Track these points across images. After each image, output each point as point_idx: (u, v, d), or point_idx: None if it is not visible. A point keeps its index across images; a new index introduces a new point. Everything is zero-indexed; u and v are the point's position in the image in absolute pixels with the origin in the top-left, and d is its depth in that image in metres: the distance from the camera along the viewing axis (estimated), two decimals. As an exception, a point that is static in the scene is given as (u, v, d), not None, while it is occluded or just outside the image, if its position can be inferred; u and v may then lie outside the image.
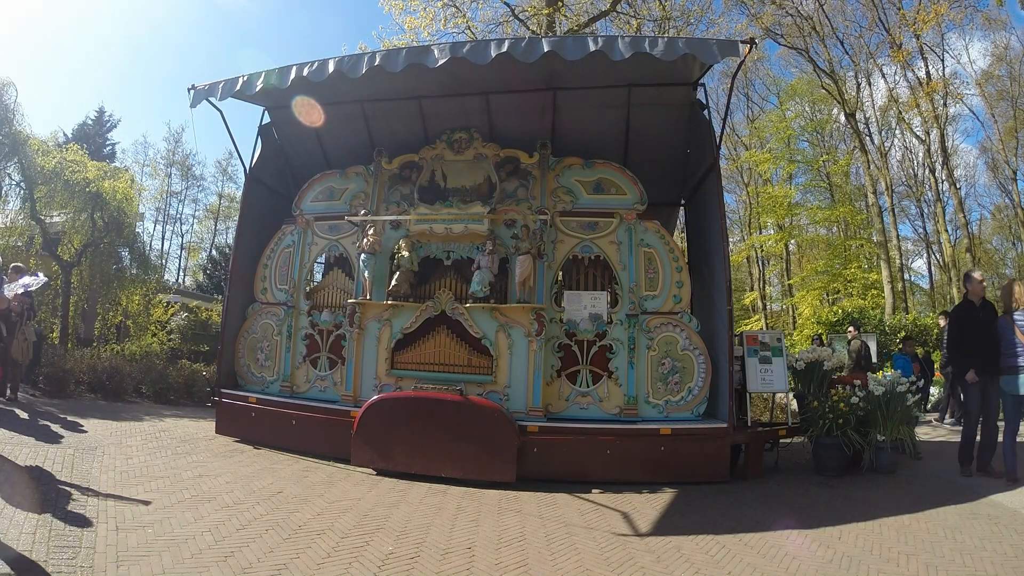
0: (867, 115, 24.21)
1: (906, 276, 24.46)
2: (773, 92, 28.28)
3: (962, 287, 6.31)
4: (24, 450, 5.11)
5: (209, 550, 3.31)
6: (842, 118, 23.87)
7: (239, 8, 52.69)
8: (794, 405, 7.02)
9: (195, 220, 39.94)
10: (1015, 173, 23.20)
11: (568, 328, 6.32)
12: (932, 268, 28.93)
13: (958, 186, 23.83)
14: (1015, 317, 5.29)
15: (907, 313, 18.54)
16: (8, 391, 7.44)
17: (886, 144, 25.25)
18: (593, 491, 5.19)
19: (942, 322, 11.23)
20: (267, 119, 7.83)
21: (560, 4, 14.09)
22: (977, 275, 5.99)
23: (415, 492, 5.00)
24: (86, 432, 6.28)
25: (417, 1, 14.74)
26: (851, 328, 11.63)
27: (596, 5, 15.36)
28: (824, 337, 13.92)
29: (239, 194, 13.20)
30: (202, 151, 63.30)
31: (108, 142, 31.93)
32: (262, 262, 7.50)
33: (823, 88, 23.04)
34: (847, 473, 5.85)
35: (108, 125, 32.19)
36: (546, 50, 5.33)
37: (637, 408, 6.03)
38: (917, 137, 24.30)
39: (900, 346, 11.15)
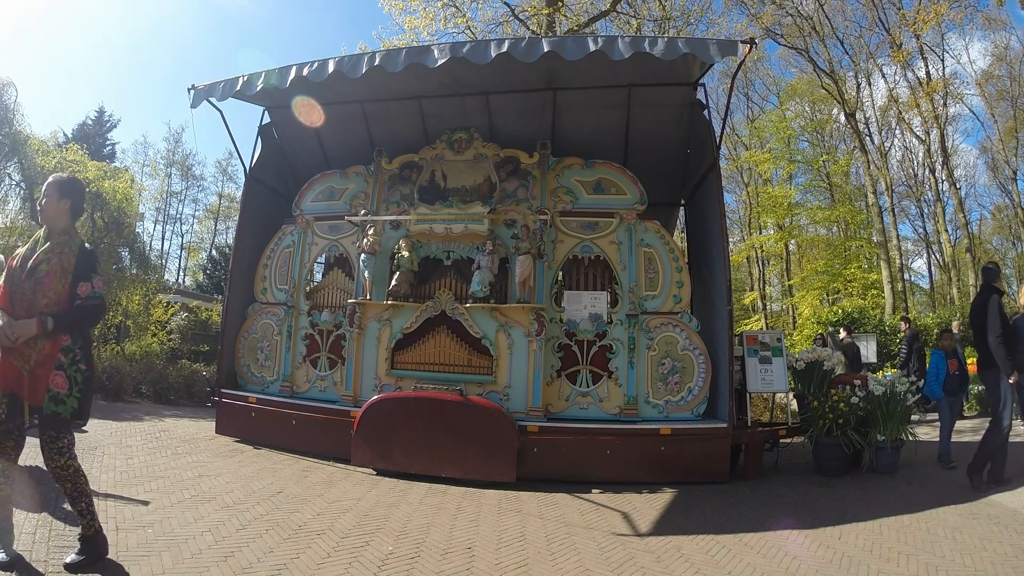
0: (867, 115, 24.18)
1: (906, 276, 24.42)
2: (773, 92, 28.26)
3: (981, 277, 5.76)
4: (24, 450, 5.10)
5: (209, 550, 3.31)
6: (842, 118, 23.83)
7: (239, 8, 52.72)
8: (794, 405, 7.02)
9: (195, 220, 39.96)
10: (1015, 173, 23.16)
11: (568, 328, 6.32)
12: (932, 268, 28.95)
13: (958, 186, 23.81)
14: None
15: (907, 313, 18.52)
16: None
17: (886, 144, 25.23)
18: (593, 491, 5.19)
19: (903, 327, 11.21)
20: (267, 119, 7.83)
21: (560, 4, 14.07)
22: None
23: (415, 492, 5.00)
24: (86, 432, 6.28)
25: (417, 1, 14.74)
26: (842, 329, 11.64)
27: (596, 5, 15.36)
28: (827, 337, 13.90)
29: (239, 194, 13.22)
30: (202, 151, 63.28)
31: (108, 142, 31.84)
32: (262, 262, 7.50)
33: (823, 88, 22.99)
34: (847, 473, 5.85)
35: (108, 125, 32.10)
36: (546, 50, 5.33)
37: (637, 408, 6.03)
38: (917, 137, 24.28)
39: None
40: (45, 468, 4.57)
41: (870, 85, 24.41)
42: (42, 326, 2.80)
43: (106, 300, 3.08)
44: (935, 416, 9.77)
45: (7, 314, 2.83)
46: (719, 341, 6.01)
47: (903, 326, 11.23)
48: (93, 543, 2.94)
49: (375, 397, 6.02)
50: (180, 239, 39.52)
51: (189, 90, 6.47)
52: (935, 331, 13.50)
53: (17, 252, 3.06)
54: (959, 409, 7.04)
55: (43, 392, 2.83)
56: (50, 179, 3.10)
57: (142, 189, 23.20)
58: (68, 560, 2.89)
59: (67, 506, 3.79)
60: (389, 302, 6.51)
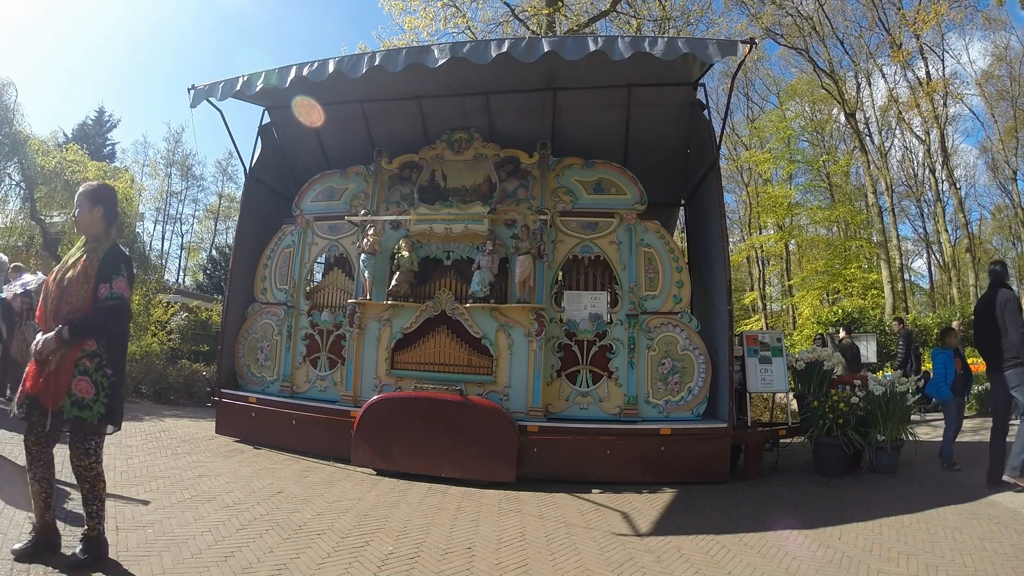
0: (867, 115, 24.21)
1: (906, 276, 24.44)
2: (773, 92, 28.28)
3: (988, 276, 5.79)
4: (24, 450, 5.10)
5: (209, 550, 3.31)
6: (842, 118, 23.84)
7: (239, 8, 52.73)
8: (794, 405, 7.01)
9: (195, 220, 39.98)
10: (1015, 173, 23.19)
11: (568, 328, 6.32)
12: (932, 268, 28.96)
13: (958, 186, 23.84)
14: None
15: (907, 313, 18.53)
16: (8, 391, 7.44)
17: (886, 144, 25.27)
18: (593, 491, 5.19)
19: (897, 327, 11.23)
20: (267, 119, 7.83)
21: (560, 4, 14.07)
22: None
23: (415, 492, 5.00)
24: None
25: (417, 1, 14.74)
26: (841, 329, 11.67)
27: (596, 5, 15.36)
28: (826, 337, 13.92)
29: (239, 194, 13.21)
30: (202, 151, 63.26)
31: (108, 142, 31.92)
32: (262, 262, 7.50)
33: (823, 88, 23.01)
34: (847, 473, 5.85)
35: (108, 125, 32.18)
36: (546, 50, 5.33)
37: (637, 408, 6.03)
38: (917, 137, 24.31)
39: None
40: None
41: (870, 85, 24.46)
42: (59, 337, 2.79)
43: (127, 301, 2.97)
44: (935, 416, 9.79)
45: (43, 330, 2.87)
46: (719, 341, 6.01)
47: (896, 326, 11.28)
48: (95, 544, 2.95)
49: (375, 397, 6.01)
50: (180, 239, 39.49)
51: (189, 90, 6.46)
52: (935, 331, 13.51)
53: (55, 267, 3.10)
54: (963, 409, 6.98)
55: (62, 396, 2.82)
56: (81, 189, 3.15)
57: (142, 189, 23.20)
58: (69, 559, 2.90)
59: (67, 506, 3.80)
60: (389, 302, 6.50)
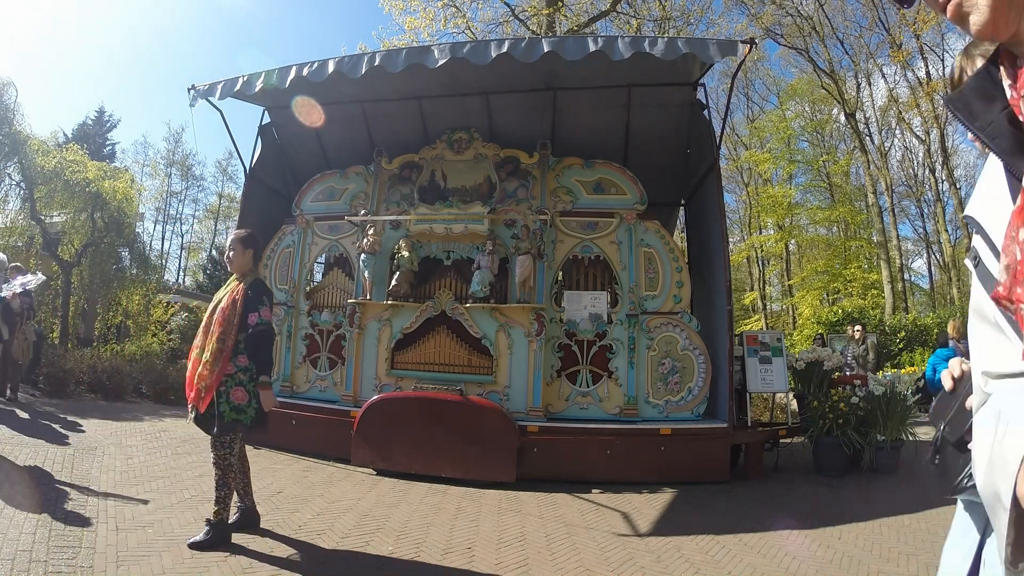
0: (867, 115, 24.18)
1: (906, 276, 24.43)
2: (773, 92, 28.24)
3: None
4: (24, 450, 5.11)
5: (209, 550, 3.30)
6: (842, 118, 23.85)
7: (240, 8, 52.70)
8: (794, 405, 7.02)
9: (195, 220, 39.93)
10: (1015, 173, 23.15)
11: (568, 328, 6.32)
12: (932, 268, 28.91)
13: (958, 186, 23.77)
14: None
15: (907, 313, 18.53)
16: (8, 391, 7.44)
17: (886, 144, 25.21)
18: (593, 491, 5.19)
19: (856, 333, 11.33)
20: (267, 119, 7.83)
21: (560, 4, 14.08)
22: None
23: (415, 492, 5.00)
24: (86, 432, 6.29)
25: (417, 1, 14.77)
26: (857, 327, 11.68)
27: (596, 5, 15.38)
28: (826, 337, 13.93)
29: (239, 194, 13.20)
30: (202, 151, 63.12)
31: (108, 142, 31.94)
32: (262, 262, 7.47)
33: (823, 88, 23.02)
34: (847, 473, 5.85)
35: (108, 125, 32.20)
36: (546, 50, 5.33)
37: (637, 408, 6.03)
38: (917, 137, 24.28)
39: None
40: (46, 470, 4.60)
41: (870, 85, 24.43)
42: (265, 386, 3.46)
43: (272, 325, 3.57)
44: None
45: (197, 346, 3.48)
46: (719, 341, 6.01)
47: (858, 331, 11.39)
48: (216, 527, 3.34)
49: (375, 397, 6.01)
50: (180, 239, 39.42)
51: (189, 90, 6.47)
52: (935, 331, 13.51)
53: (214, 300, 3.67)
54: None
55: (207, 402, 3.39)
56: (232, 236, 3.74)
57: (142, 189, 23.13)
58: (194, 539, 3.29)
59: (67, 506, 3.80)
60: (389, 302, 6.50)
